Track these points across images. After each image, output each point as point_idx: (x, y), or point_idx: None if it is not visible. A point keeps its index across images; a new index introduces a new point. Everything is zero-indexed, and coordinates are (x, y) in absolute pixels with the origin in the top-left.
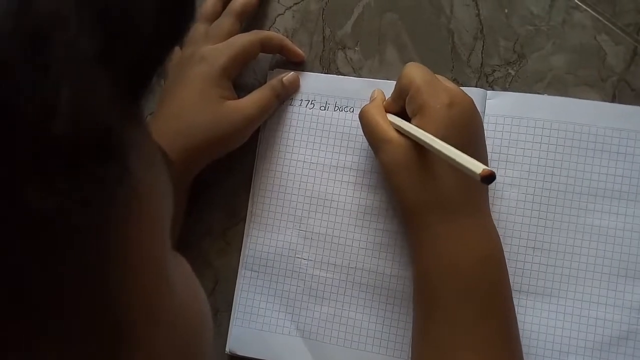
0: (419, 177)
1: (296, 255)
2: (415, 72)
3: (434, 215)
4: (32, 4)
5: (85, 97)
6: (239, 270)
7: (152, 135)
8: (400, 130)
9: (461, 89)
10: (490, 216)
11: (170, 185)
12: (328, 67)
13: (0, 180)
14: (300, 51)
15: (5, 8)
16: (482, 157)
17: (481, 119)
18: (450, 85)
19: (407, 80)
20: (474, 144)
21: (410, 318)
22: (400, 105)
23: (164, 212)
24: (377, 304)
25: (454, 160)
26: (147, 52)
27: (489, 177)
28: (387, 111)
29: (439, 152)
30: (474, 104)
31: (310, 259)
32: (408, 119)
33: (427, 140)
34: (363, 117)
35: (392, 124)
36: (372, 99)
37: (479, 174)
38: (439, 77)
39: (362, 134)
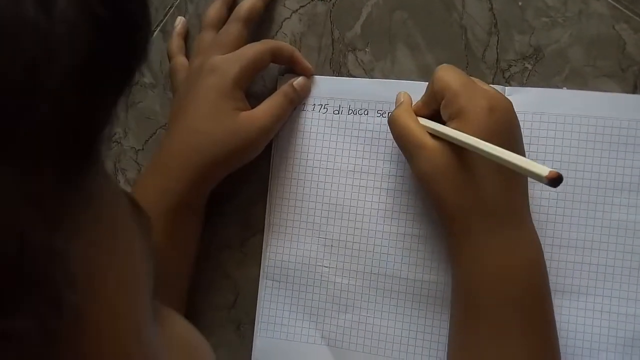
0: (459, 183)
1: (317, 264)
2: (451, 75)
3: (477, 223)
4: None
5: None
6: (260, 280)
7: (120, 200)
8: (436, 135)
9: (499, 92)
10: (532, 221)
11: (145, 248)
12: (339, 70)
13: None
14: (309, 65)
15: None
16: None
17: (519, 123)
18: (488, 87)
19: (442, 84)
20: (516, 150)
21: (437, 322)
22: (433, 109)
23: (139, 279)
24: (402, 310)
25: (512, 163)
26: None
27: (557, 180)
28: (417, 115)
29: (492, 156)
30: (513, 108)
31: (331, 266)
32: (439, 123)
33: (476, 144)
34: (393, 123)
35: (426, 128)
36: (398, 103)
37: (546, 176)
38: (474, 79)
39: (378, 137)
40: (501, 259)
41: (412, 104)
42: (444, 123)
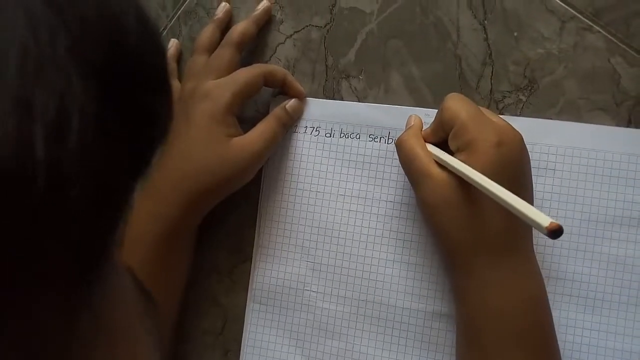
0: (463, 216)
1: (305, 288)
2: (460, 105)
3: (481, 257)
4: None
5: None
6: (247, 304)
7: (128, 295)
8: (442, 164)
9: (509, 123)
10: (535, 255)
11: (154, 339)
12: (332, 97)
13: None
14: (301, 88)
15: None
16: (529, 197)
17: (529, 155)
18: (497, 119)
19: (450, 114)
20: (523, 184)
21: (424, 352)
22: (440, 138)
23: None
24: (389, 338)
25: (514, 208)
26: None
27: (557, 232)
28: (425, 141)
29: (496, 196)
30: (523, 141)
31: (319, 291)
32: (447, 151)
33: (482, 183)
34: (401, 147)
35: (434, 155)
36: (408, 126)
37: (546, 227)
38: (483, 109)
39: (370, 161)
40: (505, 294)
41: (422, 128)
42: (451, 152)
